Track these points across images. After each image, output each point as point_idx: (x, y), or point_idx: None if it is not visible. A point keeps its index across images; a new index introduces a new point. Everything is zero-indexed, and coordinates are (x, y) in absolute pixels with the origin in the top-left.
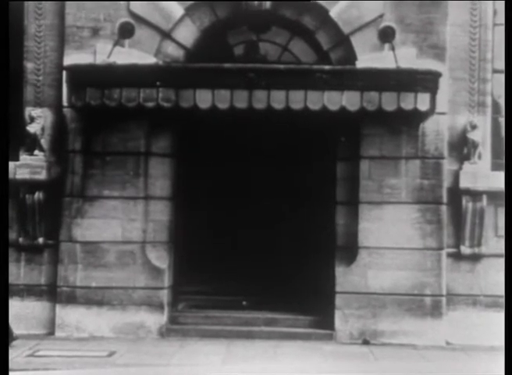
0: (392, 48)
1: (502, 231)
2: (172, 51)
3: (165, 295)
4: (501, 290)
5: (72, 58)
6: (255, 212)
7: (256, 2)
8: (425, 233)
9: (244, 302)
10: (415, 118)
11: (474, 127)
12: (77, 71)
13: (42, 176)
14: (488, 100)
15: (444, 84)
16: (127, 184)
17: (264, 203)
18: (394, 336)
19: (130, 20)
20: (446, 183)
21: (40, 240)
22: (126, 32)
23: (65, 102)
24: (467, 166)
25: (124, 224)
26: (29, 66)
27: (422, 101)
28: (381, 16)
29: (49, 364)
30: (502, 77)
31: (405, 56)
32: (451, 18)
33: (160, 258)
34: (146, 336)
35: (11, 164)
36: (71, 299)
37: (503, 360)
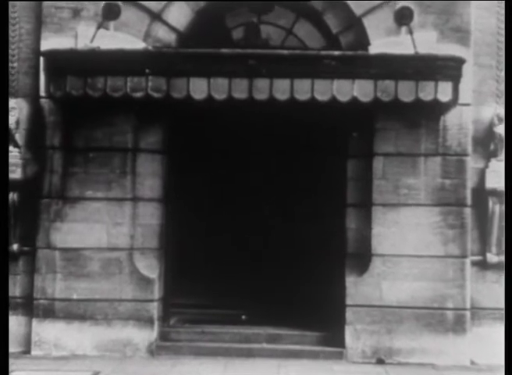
0: (410, 32)
1: None
2: (162, 34)
3: (155, 308)
4: None
5: (50, 42)
6: (256, 216)
7: None
8: (447, 238)
9: (244, 316)
10: (435, 110)
11: (501, 120)
12: (56, 57)
13: (17, 175)
14: None
15: (468, 72)
16: (113, 184)
17: (266, 205)
18: (412, 354)
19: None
20: (471, 182)
21: (15, 246)
22: (111, 13)
23: (42, 92)
24: (493, 163)
25: (109, 229)
26: None
27: (443, 91)
28: None
29: None
30: None
31: (424, 41)
32: None
33: (149, 267)
34: (134, 354)
35: None
36: (49, 313)
37: None
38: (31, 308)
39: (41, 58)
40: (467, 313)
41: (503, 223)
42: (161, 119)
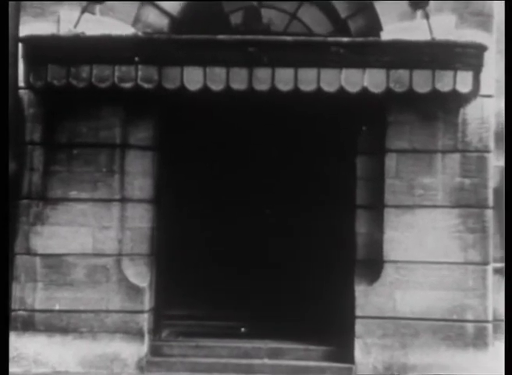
0: (426, 16)
1: None
2: (153, 19)
3: (145, 320)
4: None
5: (30, 27)
6: (256, 219)
7: None
8: (467, 244)
9: (243, 329)
10: (454, 102)
11: None
12: (36, 44)
13: None
14: None
15: (490, 60)
16: (99, 184)
17: (267, 208)
18: (428, 370)
19: None
20: (493, 182)
21: None
22: None
23: (21, 82)
24: None
25: (95, 233)
26: None
27: (463, 81)
28: None
29: None
30: None
31: (442, 26)
32: None
33: (139, 275)
34: (122, 370)
35: None
36: (29, 326)
37: None
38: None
39: (20, 45)
40: (489, 326)
41: None
42: (153, 112)
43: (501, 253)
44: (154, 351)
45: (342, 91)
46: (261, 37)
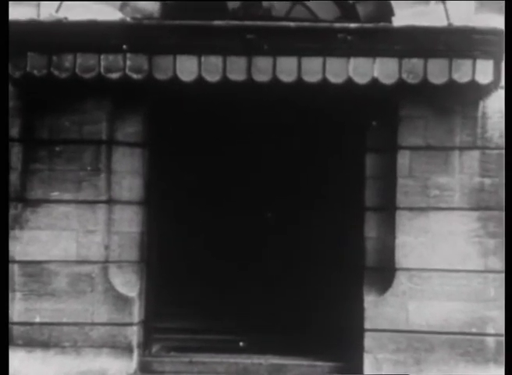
0: (442, 0)
1: None
2: (143, 3)
3: (134, 334)
4: None
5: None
6: (256, 223)
7: None
8: (487, 250)
9: (242, 343)
10: (473, 94)
11: None
12: (14, 29)
13: None
14: None
15: None
16: (83, 184)
17: (267, 211)
18: None
19: None
20: None
21: None
22: None
23: None
24: None
25: (79, 238)
26: None
27: (483, 71)
28: None
29: None
30: None
31: (459, 10)
32: None
33: (128, 284)
34: None
35: None
36: None
37: None
38: None
39: None
40: None
41: None
42: (142, 105)
43: None
44: (144, 367)
45: (349, 82)
46: (261, 22)
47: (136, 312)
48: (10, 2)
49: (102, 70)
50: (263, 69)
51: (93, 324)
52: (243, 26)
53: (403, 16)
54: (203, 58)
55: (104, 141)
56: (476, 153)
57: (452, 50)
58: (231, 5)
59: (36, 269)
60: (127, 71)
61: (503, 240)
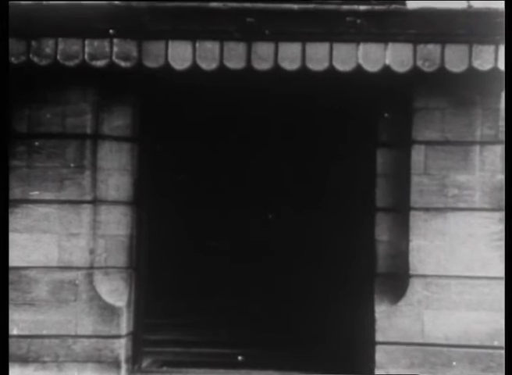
0: None
1: None
2: None
3: (122, 347)
4: None
5: None
6: (257, 225)
7: None
8: None
9: (240, 357)
10: (495, 83)
11: None
12: None
13: None
14: None
15: None
16: (66, 182)
17: (269, 212)
18: None
19: None
20: None
21: None
22: None
23: None
24: None
25: (61, 241)
26: None
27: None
28: None
29: None
30: None
31: None
32: None
33: (115, 292)
34: None
35: None
36: None
37: None
38: None
39: None
40: None
41: None
42: (131, 96)
43: None
44: None
45: (359, 70)
46: (261, 4)
47: (125, 324)
48: None
49: (86, 57)
50: (264, 55)
51: (76, 337)
52: (242, 8)
53: None
54: (198, 44)
55: (89, 135)
56: (498, 148)
57: (472, 34)
58: None
59: (14, 276)
60: (114, 58)
61: None
